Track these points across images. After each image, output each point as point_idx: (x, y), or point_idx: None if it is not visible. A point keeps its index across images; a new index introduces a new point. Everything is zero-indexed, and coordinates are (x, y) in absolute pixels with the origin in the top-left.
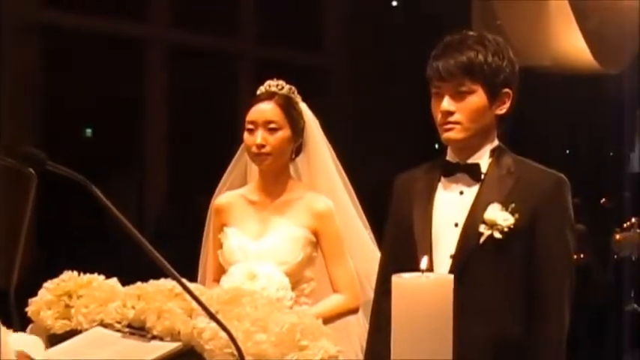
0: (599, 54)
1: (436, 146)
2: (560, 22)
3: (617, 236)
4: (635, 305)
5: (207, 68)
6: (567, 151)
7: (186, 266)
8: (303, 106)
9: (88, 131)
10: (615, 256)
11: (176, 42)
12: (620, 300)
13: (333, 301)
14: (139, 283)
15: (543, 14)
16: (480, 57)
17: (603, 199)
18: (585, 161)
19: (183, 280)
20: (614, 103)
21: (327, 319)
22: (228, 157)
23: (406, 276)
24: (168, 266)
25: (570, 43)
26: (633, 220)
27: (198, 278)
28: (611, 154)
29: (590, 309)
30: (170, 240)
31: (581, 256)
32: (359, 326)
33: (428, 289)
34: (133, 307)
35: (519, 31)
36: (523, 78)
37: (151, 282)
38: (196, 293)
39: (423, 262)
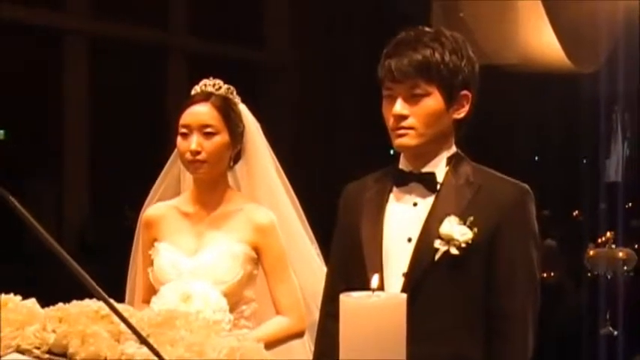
0: (572, 52)
1: (392, 152)
2: (529, 18)
3: (591, 252)
4: (611, 328)
5: (134, 63)
6: (536, 158)
7: (113, 286)
8: (243, 108)
9: (0, 132)
10: (589, 274)
11: (98, 33)
12: (595, 322)
13: (276, 324)
14: (60, 304)
15: (510, 9)
16: (437, 56)
17: (576, 212)
18: (556, 169)
19: (111, 301)
20: (588, 105)
21: (270, 344)
22: (159, 164)
23: (355, 295)
24: (94, 284)
25: (540, 40)
26: (608, 234)
27: (126, 299)
28: (584, 161)
29: (562, 331)
30: (94, 256)
31: (552, 274)
32: (304, 351)
33: (379, 309)
34: (54, 331)
35: (484, 26)
36: (488, 77)
37: (74, 303)
38: (125, 315)
39: (374, 280)
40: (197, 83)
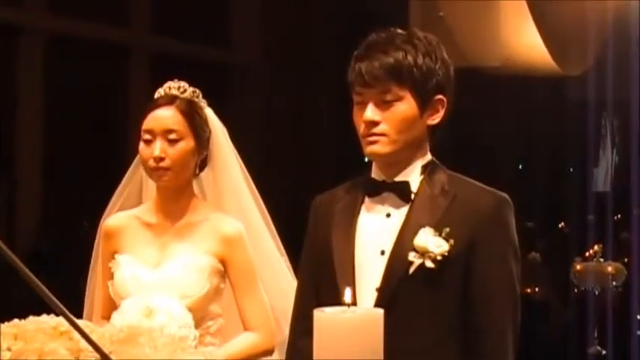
0: (558, 53)
1: (366, 159)
2: (512, 17)
3: (578, 266)
4: (599, 347)
5: (93, 62)
6: (520, 166)
7: (68, 299)
8: (209, 113)
9: None
10: (575, 290)
11: (55, 30)
12: (582, 340)
13: (244, 341)
14: (15, 320)
15: (492, 8)
16: (409, 58)
17: (561, 223)
18: (541, 178)
19: (71, 316)
20: (575, 110)
21: None
22: (119, 170)
23: (329, 310)
24: (53, 298)
25: (524, 41)
26: (596, 247)
27: (84, 314)
28: (571, 169)
29: (547, 350)
30: (47, 267)
31: (536, 289)
32: None
33: (355, 325)
34: (9, 349)
35: (464, 26)
36: (468, 81)
37: (31, 319)
38: (86, 331)
39: (347, 295)
40: (160, 85)
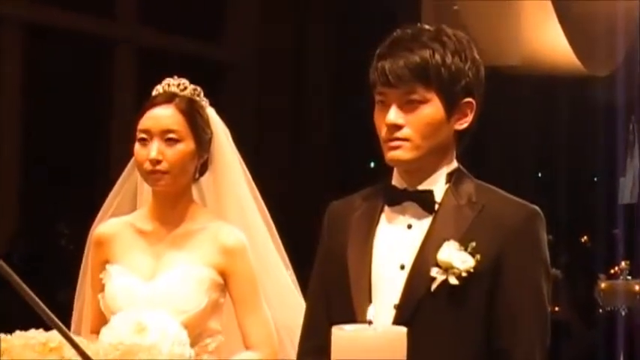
0: (583, 52)
1: (372, 164)
2: (534, 13)
3: (603, 285)
4: None
5: (75, 55)
6: (539, 174)
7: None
8: (211, 113)
9: None
10: (600, 310)
11: (35, 21)
12: None
13: None
14: (1, 335)
15: (512, 3)
16: (437, 57)
17: (585, 237)
18: (562, 187)
19: (67, 331)
20: (601, 114)
21: None
22: (102, 172)
23: (349, 328)
24: (46, 309)
25: (546, 38)
26: (623, 264)
27: (72, 329)
28: (595, 179)
29: None
30: (23, 279)
31: (556, 308)
32: None
33: (377, 344)
34: None
35: (482, 22)
36: (486, 81)
37: (18, 333)
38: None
39: (370, 312)
40: (146, 79)
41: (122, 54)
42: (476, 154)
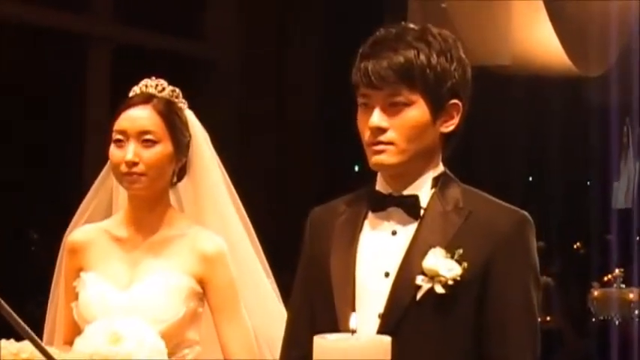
0: (575, 52)
1: (356, 168)
2: (525, 11)
3: (596, 293)
4: None
5: (46, 52)
6: (530, 178)
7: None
8: (190, 115)
9: None
10: (593, 319)
11: (3, 16)
12: None
13: None
14: None
15: (502, 1)
16: (422, 58)
17: (577, 244)
18: (554, 192)
19: (40, 342)
20: (594, 116)
21: None
22: (76, 176)
23: (331, 338)
24: (17, 319)
25: (537, 37)
26: (617, 271)
27: (44, 339)
28: (588, 183)
29: None
30: None
31: (548, 318)
32: None
33: (361, 353)
34: None
35: (470, 20)
36: (474, 81)
37: None
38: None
39: (353, 321)
40: (122, 78)
41: (97, 52)
42: (464, 158)
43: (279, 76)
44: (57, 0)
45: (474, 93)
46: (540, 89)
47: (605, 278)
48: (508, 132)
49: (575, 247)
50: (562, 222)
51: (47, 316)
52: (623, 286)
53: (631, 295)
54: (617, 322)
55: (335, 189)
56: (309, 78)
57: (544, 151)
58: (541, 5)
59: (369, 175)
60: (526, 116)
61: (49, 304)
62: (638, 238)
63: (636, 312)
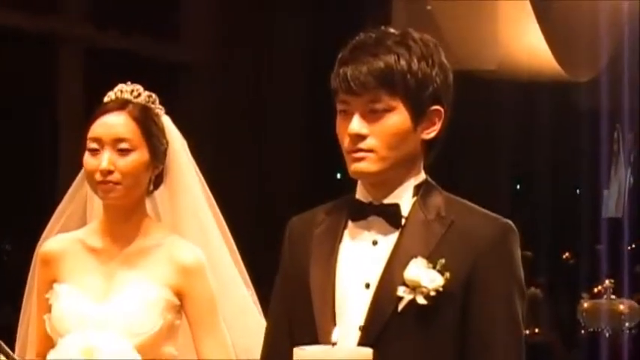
0: (564, 56)
1: (338, 176)
2: (512, 14)
3: (586, 304)
4: None
5: (15, 55)
6: (518, 186)
7: None
8: (167, 121)
9: None
10: (583, 332)
11: None
12: None
13: None
14: None
15: (489, 4)
16: (402, 63)
17: (566, 254)
18: (542, 200)
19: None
20: (583, 122)
21: None
22: (47, 184)
23: (311, 349)
24: None
25: (525, 41)
26: (607, 282)
27: (16, 352)
28: (578, 191)
29: None
30: None
31: (536, 330)
32: None
33: None
34: None
35: (456, 23)
36: (460, 86)
37: None
38: None
39: (335, 334)
40: (94, 82)
41: (68, 54)
42: (450, 165)
43: (257, 79)
44: (29, 1)
45: (460, 99)
46: (528, 94)
47: (595, 289)
48: (495, 139)
49: (564, 257)
50: (551, 231)
51: (19, 328)
52: (614, 297)
53: (621, 307)
54: (607, 335)
55: (317, 197)
56: (289, 81)
57: (532, 158)
58: (529, 9)
59: (352, 183)
60: (513, 123)
61: (20, 317)
62: (629, 247)
63: (627, 324)
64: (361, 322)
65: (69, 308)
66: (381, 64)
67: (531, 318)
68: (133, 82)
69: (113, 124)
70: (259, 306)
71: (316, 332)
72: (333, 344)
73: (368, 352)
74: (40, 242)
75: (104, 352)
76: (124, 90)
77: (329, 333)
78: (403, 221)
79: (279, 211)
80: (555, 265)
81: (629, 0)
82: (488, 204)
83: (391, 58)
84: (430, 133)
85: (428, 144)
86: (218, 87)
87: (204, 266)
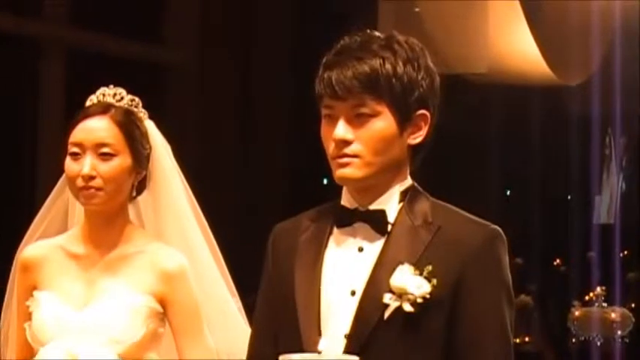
0: (555, 60)
1: (324, 181)
2: (503, 17)
3: (577, 312)
4: None
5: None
6: (508, 192)
7: None
8: (150, 126)
9: None
10: (574, 340)
11: None
12: None
13: None
14: None
15: (478, 7)
16: (388, 67)
17: (557, 261)
18: (533, 206)
19: None
20: (574, 127)
21: None
22: (28, 189)
23: (296, 357)
24: None
25: (515, 45)
26: (599, 289)
27: None
28: (569, 197)
29: None
30: None
31: (527, 338)
32: None
33: None
34: None
35: (445, 26)
36: (449, 90)
37: None
38: None
39: (322, 343)
40: (77, 85)
41: (49, 56)
42: (438, 171)
43: (242, 81)
44: (9, 2)
45: (449, 102)
46: (518, 98)
47: (587, 297)
48: (484, 143)
49: (555, 264)
50: (541, 238)
51: None
52: (605, 305)
53: (613, 315)
54: (598, 343)
55: (303, 203)
56: (275, 83)
57: (522, 164)
58: (519, 11)
59: (338, 188)
60: (503, 127)
61: (0, 325)
62: (621, 254)
63: (619, 332)
64: (347, 330)
65: (49, 316)
66: (367, 69)
67: (522, 326)
68: (116, 83)
69: (95, 128)
70: (244, 314)
71: (301, 340)
72: (319, 352)
73: (354, 359)
74: (19, 249)
75: None
76: (107, 93)
77: (314, 341)
78: (389, 227)
79: (265, 217)
80: (546, 272)
81: (620, 1)
82: (477, 210)
83: (376, 62)
84: (416, 138)
85: (414, 149)
86: (203, 89)
87: (187, 272)
